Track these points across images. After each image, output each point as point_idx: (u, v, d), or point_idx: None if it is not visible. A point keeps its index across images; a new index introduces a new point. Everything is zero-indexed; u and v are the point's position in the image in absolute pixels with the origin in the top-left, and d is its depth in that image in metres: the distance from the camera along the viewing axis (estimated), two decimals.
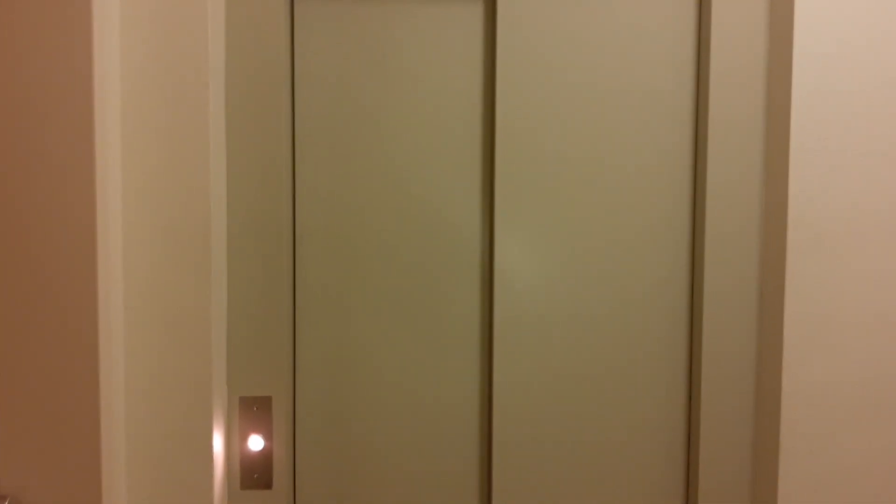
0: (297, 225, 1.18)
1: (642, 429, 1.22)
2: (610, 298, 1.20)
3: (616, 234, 1.20)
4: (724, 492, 1.20)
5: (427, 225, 1.19)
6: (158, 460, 1.03)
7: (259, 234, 1.13)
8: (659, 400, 1.22)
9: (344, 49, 1.17)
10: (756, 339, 1.19)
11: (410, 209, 1.19)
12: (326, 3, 1.16)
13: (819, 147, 1.12)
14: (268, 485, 1.15)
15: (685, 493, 1.24)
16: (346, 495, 1.20)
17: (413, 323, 1.20)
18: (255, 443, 1.14)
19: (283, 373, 1.14)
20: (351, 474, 1.20)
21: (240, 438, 1.14)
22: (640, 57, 1.18)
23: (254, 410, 1.14)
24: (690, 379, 1.22)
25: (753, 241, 1.17)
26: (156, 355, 1.02)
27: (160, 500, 1.03)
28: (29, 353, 0.93)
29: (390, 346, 1.20)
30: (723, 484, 1.20)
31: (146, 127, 1.00)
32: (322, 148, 1.17)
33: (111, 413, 0.97)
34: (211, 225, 1.02)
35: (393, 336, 1.20)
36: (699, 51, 1.19)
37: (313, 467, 1.20)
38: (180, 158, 1.01)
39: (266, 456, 1.14)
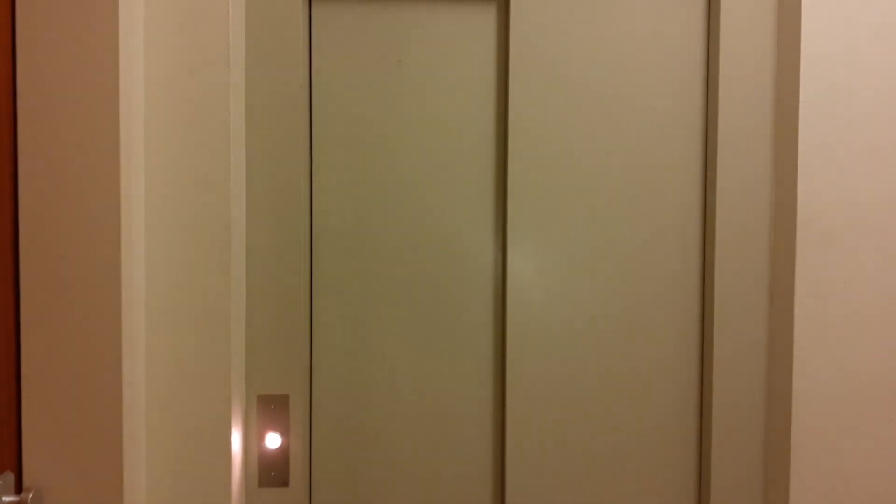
0: (314, 226, 1.20)
1: (654, 430, 1.23)
2: (621, 298, 1.21)
3: (627, 235, 1.21)
4: (736, 491, 1.20)
5: (441, 227, 1.20)
6: (178, 457, 1.04)
7: (277, 236, 1.14)
8: (670, 401, 1.23)
9: (360, 54, 1.19)
10: (767, 338, 1.19)
11: (424, 212, 1.20)
12: (343, 8, 1.18)
13: (827, 146, 1.12)
14: (285, 482, 1.16)
15: (697, 494, 1.24)
16: (361, 493, 1.21)
17: (427, 324, 1.21)
18: (273, 441, 1.15)
19: (301, 372, 1.16)
20: (366, 473, 1.21)
21: (257, 436, 1.15)
22: (651, 60, 1.20)
23: (271, 409, 1.15)
24: (702, 379, 1.23)
25: (763, 240, 1.18)
26: (176, 354, 1.04)
27: (179, 496, 1.04)
28: (54, 352, 0.95)
29: (405, 347, 1.21)
30: (735, 484, 1.20)
31: (168, 129, 1.02)
32: (338, 150, 1.19)
33: (132, 410, 0.99)
34: (231, 226, 1.04)
35: (407, 337, 1.21)
36: (708, 53, 1.20)
37: (329, 465, 1.21)
38: (201, 161, 1.03)
39: (283, 454, 1.16)
